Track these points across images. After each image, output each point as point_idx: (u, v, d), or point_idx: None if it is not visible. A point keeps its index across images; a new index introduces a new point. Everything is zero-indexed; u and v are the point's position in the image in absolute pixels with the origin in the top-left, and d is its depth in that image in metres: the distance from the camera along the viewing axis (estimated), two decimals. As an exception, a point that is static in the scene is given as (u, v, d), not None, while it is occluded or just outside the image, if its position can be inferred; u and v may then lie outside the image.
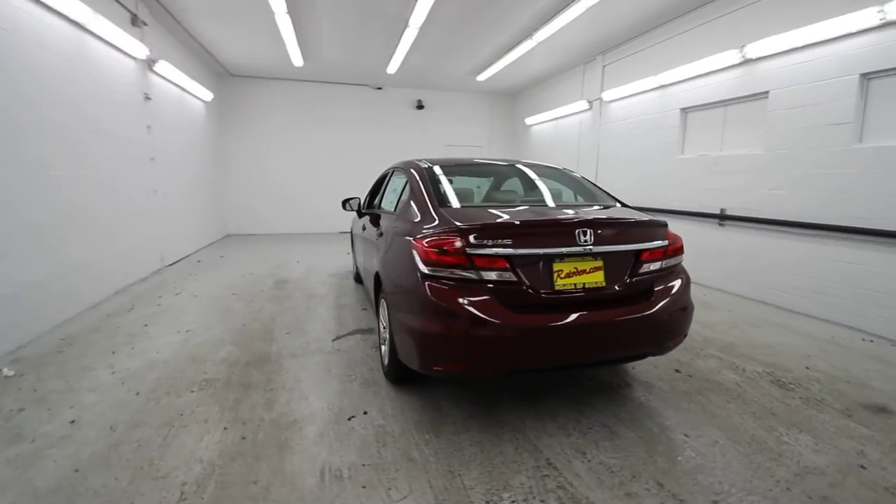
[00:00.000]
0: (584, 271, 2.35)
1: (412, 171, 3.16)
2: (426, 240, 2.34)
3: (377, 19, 6.26)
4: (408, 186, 3.10)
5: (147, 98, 5.93)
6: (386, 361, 2.95)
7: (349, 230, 6.34)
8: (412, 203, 2.84)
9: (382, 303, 3.06)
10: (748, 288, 5.12)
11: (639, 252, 2.47)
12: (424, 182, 2.91)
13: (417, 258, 2.34)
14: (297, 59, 7.95)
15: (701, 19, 5.46)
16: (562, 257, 2.31)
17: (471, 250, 2.23)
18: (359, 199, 4.94)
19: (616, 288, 2.40)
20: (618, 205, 3.06)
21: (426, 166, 3.16)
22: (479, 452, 2.25)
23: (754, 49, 4.76)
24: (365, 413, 2.62)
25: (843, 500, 1.93)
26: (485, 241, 2.24)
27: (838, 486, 2.03)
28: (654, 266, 2.51)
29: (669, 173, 6.16)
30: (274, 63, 8.56)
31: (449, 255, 2.24)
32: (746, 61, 4.93)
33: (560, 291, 2.30)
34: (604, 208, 2.89)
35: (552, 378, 3.07)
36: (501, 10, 5.80)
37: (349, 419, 2.55)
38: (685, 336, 2.66)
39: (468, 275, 2.23)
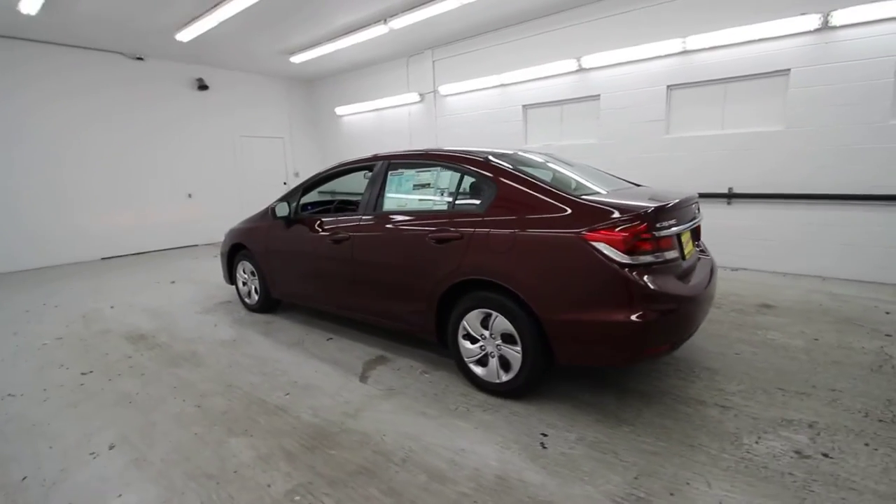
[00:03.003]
0: (688, 241, 2.74)
1: (483, 168, 2.75)
2: (615, 229, 2.24)
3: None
4: (489, 183, 2.70)
5: None
6: (504, 377, 2.62)
7: (222, 247, 4.77)
8: (528, 198, 2.54)
9: (473, 316, 2.67)
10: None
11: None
12: (524, 175, 2.66)
13: (609, 250, 2.22)
14: (30, 4, 5.13)
15: (541, 29, 6.49)
16: (683, 231, 2.63)
17: (657, 233, 2.29)
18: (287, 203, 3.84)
19: (699, 251, 2.91)
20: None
21: (490, 159, 2.84)
22: (678, 422, 2.39)
23: (589, 60, 6.07)
24: (545, 435, 2.32)
25: (839, 358, 3.03)
26: (664, 223, 2.33)
27: (825, 353, 3.13)
28: (699, 232, 3.14)
29: (516, 160, 7.15)
30: (-38, 2, 5.26)
31: (644, 240, 2.24)
32: (582, 69, 6.23)
33: (687, 261, 2.63)
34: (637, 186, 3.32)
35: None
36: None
37: (544, 448, 2.22)
38: None
39: (654, 257, 2.28)
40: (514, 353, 2.55)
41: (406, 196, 3.16)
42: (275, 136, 9.94)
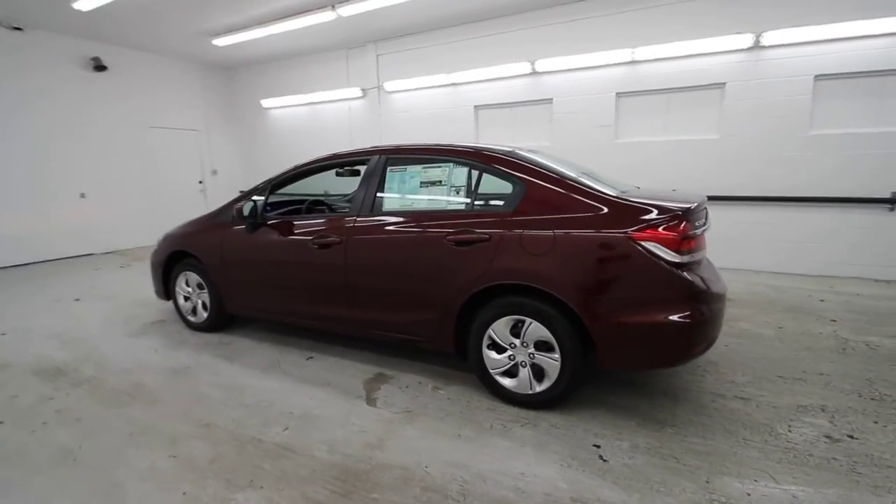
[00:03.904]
0: (696, 240, 2.81)
1: (508, 165, 2.60)
2: (659, 228, 2.19)
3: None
4: (515, 181, 2.52)
5: None
6: (539, 387, 2.46)
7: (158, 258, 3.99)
8: (560, 197, 2.41)
9: (502, 323, 2.48)
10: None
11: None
12: (554, 173, 2.53)
13: (659, 249, 2.16)
14: None
15: (494, 30, 6.45)
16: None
17: (693, 231, 2.28)
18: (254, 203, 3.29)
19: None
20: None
21: (509, 154, 2.68)
22: (713, 419, 2.41)
23: (543, 64, 6.17)
24: (598, 447, 2.19)
25: (808, 344, 3.33)
26: (697, 222, 2.34)
27: (795, 340, 3.43)
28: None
29: (467, 161, 7.06)
30: None
31: (687, 239, 2.22)
32: (535, 73, 6.31)
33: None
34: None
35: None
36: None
37: (604, 461, 2.09)
38: None
39: (691, 257, 2.28)
40: (551, 362, 2.40)
41: (412, 195, 2.85)
42: (188, 128, 8.77)
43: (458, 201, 2.71)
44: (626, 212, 2.31)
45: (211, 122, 9.17)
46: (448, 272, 2.59)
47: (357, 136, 8.04)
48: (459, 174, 2.73)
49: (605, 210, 2.34)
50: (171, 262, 3.90)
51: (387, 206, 2.91)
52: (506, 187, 2.62)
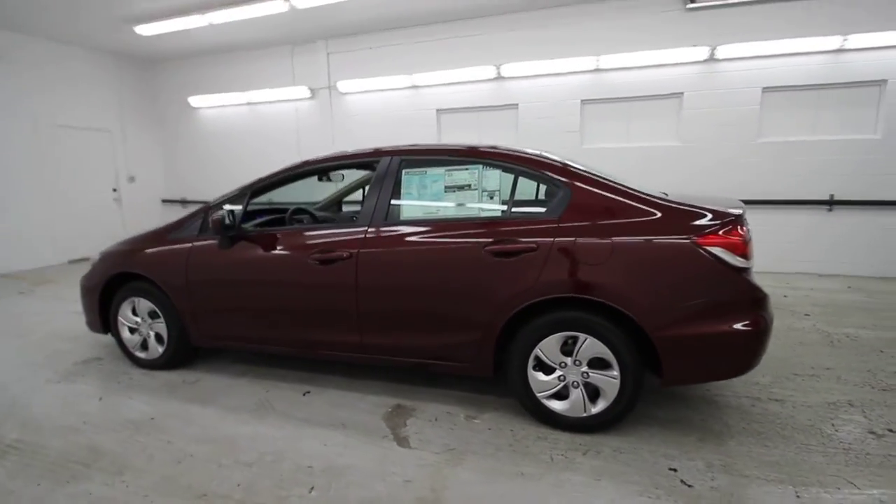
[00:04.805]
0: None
1: (549, 169, 2.44)
2: (720, 232, 2.09)
3: None
4: (558, 185, 2.34)
5: None
6: (594, 409, 2.26)
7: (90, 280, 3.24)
8: (609, 201, 2.25)
9: (553, 341, 2.26)
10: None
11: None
12: (599, 176, 2.39)
13: (726, 254, 2.06)
14: None
15: (458, 32, 6.25)
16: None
17: (749, 236, 2.22)
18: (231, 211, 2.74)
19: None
20: None
21: (542, 156, 2.49)
22: (764, 425, 2.37)
23: (508, 69, 6.09)
24: (675, 470, 2.03)
25: (799, 339, 3.49)
26: (747, 227, 2.28)
27: (787, 336, 3.58)
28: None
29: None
30: None
31: (747, 243, 2.15)
32: (501, 77, 6.22)
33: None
34: None
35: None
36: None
37: (688, 486, 1.92)
38: None
39: (750, 262, 2.21)
40: (610, 380, 2.21)
41: (436, 201, 2.52)
42: (100, 128, 7.54)
43: (493, 208, 2.44)
44: (681, 217, 2.20)
45: (127, 122, 7.98)
46: (487, 287, 2.31)
47: (306, 140, 7.44)
48: (491, 177, 2.47)
49: (659, 215, 2.21)
50: (110, 286, 3.19)
51: (405, 215, 2.56)
52: (542, 191, 2.42)
